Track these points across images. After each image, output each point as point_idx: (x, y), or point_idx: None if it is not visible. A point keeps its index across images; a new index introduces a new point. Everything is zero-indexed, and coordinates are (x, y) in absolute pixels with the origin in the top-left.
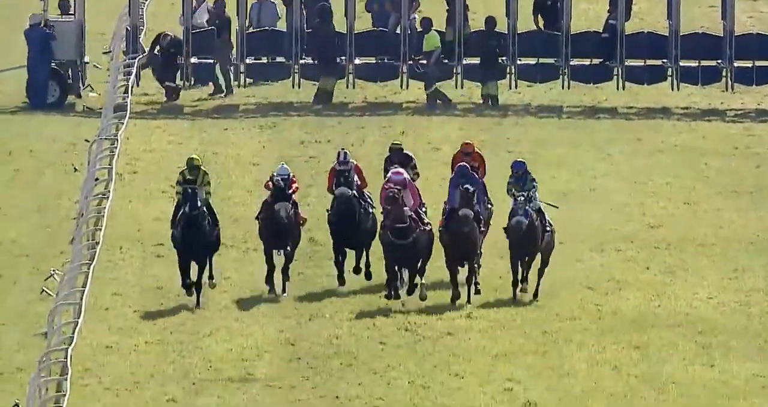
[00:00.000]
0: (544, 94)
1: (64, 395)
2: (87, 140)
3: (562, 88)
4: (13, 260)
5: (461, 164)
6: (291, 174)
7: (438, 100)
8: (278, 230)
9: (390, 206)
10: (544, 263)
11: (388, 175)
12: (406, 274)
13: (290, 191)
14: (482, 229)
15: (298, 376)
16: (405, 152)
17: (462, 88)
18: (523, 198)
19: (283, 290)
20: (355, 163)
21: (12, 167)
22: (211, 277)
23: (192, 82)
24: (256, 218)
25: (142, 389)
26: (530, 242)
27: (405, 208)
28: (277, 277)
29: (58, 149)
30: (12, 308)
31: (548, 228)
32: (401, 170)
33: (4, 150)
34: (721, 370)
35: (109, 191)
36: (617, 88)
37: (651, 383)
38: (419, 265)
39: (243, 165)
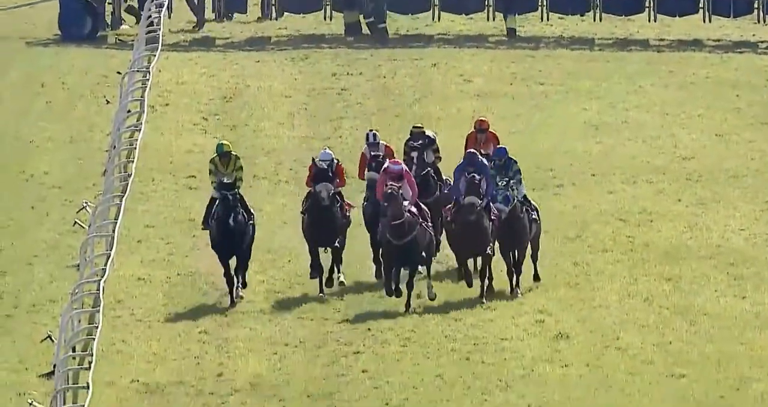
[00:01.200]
0: (576, 26)
1: (97, 327)
2: (119, 73)
3: (594, 20)
4: (45, 192)
5: (470, 150)
6: (335, 159)
7: None
8: (322, 217)
9: (388, 203)
10: (535, 249)
11: (385, 165)
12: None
13: (334, 177)
14: (492, 218)
15: (329, 308)
16: (427, 133)
17: (494, 20)
18: (505, 183)
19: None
20: (385, 144)
21: (44, 99)
22: (243, 285)
23: (223, 14)
24: (302, 213)
25: (174, 321)
26: (515, 232)
27: (404, 202)
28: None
29: (90, 82)
30: (44, 240)
31: (534, 216)
32: (399, 160)
33: (36, 82)
34: (753, 302)
35: (141, 123)
36: (649, 20)
37: (683, 314)
38: (422, 263)
39: (275, 97)
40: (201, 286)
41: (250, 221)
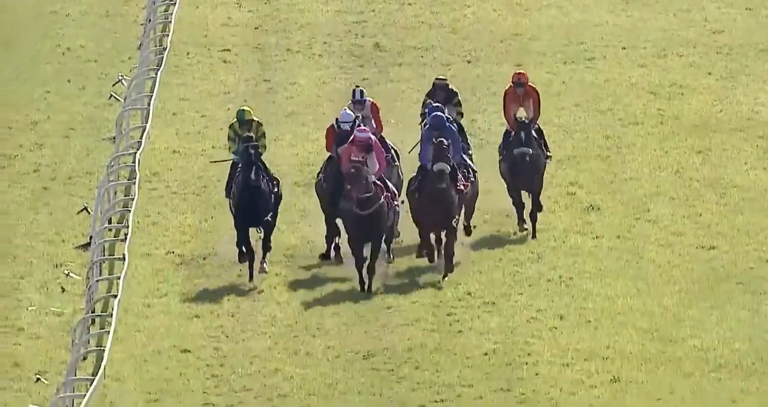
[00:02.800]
0: None
1: (132, 199)
2: None
3: None
4: (81, 65)
5: (435, 113)
6: (357, 119)
7: None
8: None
9: (351, 184)
10: (470, 211)
11: (353, 135)
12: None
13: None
14: (461, 188)
15: None
16: (450, 87)
17: None
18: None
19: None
20: (371, 101)
21: None
22: (264, 256)
23: None
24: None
25: (208, 193)
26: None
27: (370, 175)
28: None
29: None
30: (80, 113)
31: (471, 178)
32: (365, 128)
33: None
34: None
35: None
36: None
37: (713, 186)
38: (383, 240)
39: None
40: None
41: (275, 189)
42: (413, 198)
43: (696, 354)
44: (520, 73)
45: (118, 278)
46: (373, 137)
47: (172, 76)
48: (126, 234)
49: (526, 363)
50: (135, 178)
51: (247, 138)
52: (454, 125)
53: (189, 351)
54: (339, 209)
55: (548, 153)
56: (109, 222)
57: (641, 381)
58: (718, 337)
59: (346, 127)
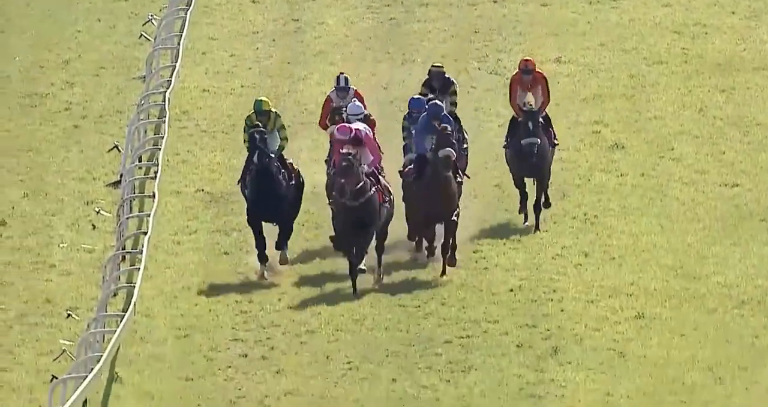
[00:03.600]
0: None
1: (162, 137)
2: None
3: None
4: (111, 5)
5: (434, 102)
6: (367, 113)
7: None
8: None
9: (343, 177)
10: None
11: (333, 133)
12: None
13: (361, 139)
14: (459, 180)
15: (392, 119)
16: (447, 76)
17: None
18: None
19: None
20: (355, 89)
21: None
22: (283, 246)
23: None
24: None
25: (237, 132)
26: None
27: (362, 166)
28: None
29: None
30: (111, 52)
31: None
32: (348, 125)
33: None
34: None
35: None
36: None
37: (736, 125)
38: (375, 237)
39: None
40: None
41: (292, 182)
42: (410, 191)
43: (719, 290)
44: (527, 59)
45: (148, 215)
46: (361, 128)
47: (202, 15)
48: (156, 172)
49: (551, 300)
50: (165, 116)
51: (254, 126)
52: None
53: (218, 288)
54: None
55: (555, 142)
56: (139, 160)
57: (665, 317)
58: (741, 274)
59: (356, 121)
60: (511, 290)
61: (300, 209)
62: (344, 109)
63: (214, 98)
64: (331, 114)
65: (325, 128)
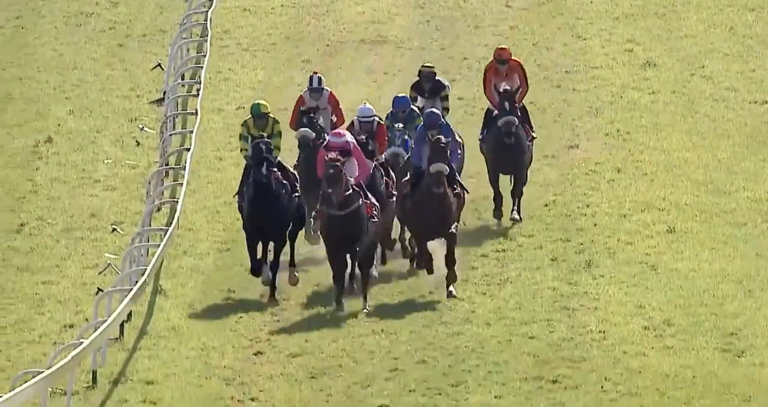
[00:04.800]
0: None
1: (204, 55)
2: None
3: None
4: None
5: (431, 110)
6: (377, 118)
7: None
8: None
9: (330, 184)
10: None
11: (327, 140)
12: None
13: (368, 147)
14: (457, 191)
15: (427, 38)
16: (438, 78)
17: None
18: (402, 126)
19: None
20: (329, 90)
21: None
22: (292, 264)
23: None
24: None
25: (277, 50)
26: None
27: (349, 179)
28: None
29: None
30: None
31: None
32: (342, 131)
33: None
34: None
35: None
36: None
37: (765, 43)
38: (364, 248)
39: None
40: (303, 16)
41: (295, 194)
42: (406, 205)
43: (748, 205)
44: (502, 48)
45: (191, 132)
46: (351, 140)
47: None
48: (198, 90)
49: (585, 214)
50: (207, 35)
51: (258, 136)
52: (448, 122)
53: None
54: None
55: (533, 135)
56: (182, 78)
57: (695, 231)
58: None
59: (367, 123)
60: (546, 206)
61: (305, 222)
62: (313, 113)
63: (255, 17)
64: (299, 116)
65: (295, 129)
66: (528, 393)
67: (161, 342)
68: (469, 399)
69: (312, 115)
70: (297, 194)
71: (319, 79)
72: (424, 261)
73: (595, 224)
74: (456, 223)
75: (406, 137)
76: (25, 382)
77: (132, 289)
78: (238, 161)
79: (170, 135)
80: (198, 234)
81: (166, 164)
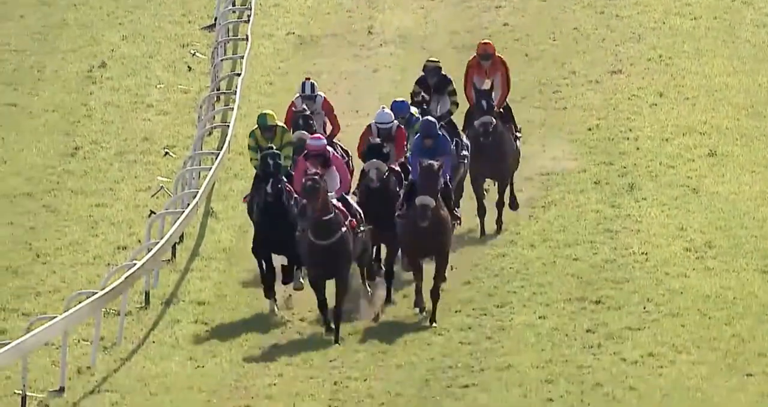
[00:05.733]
0: None
1: None
2: None
3: None
4: None
5: (427, 119)
6: (395, 123)
7: None
8: (372, 211)
9: (308, 200)
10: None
11: (306, 143)
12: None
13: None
14: (457, 214)
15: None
16: (443, 73)
17: None
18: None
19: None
20: (323, 97)
21: None
22: (297, 276)
23: None
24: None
25: None
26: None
27: (330, 194)
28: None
29: None
30: None
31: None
32: (321, 135)
33: None
34: None
35: None
36: None
37: None
38: (343, 275)
39: None
40: None
41: None
42: (400, 222)
43: None
44: (486, 43)
45: (241, 57)
46: (330, 148)
47: None
48: (249, 16)
49: (628, 138)
50: None
51: (267, 148)
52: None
53: None
54: (296, 236)
55: (518, 134)
56: (233, 4)
57: (736, 155)
58: None
59: (385, 129)
60: (589, 130)
61: None
62: (310, 115)
63: None
64: (295, 117)
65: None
66: (571, 313)
67: (212, 264)
68: (513, 319)
69: (308, 115)
70: None
71: (312, 85)
72: (414, 277)
73: (638, 148)
74: (449, 247)
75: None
76: (80, 303)
77: (184, 211)
78: (288, 87)
79: (221, 60)
80: (248, 158)
81: (217, 89)
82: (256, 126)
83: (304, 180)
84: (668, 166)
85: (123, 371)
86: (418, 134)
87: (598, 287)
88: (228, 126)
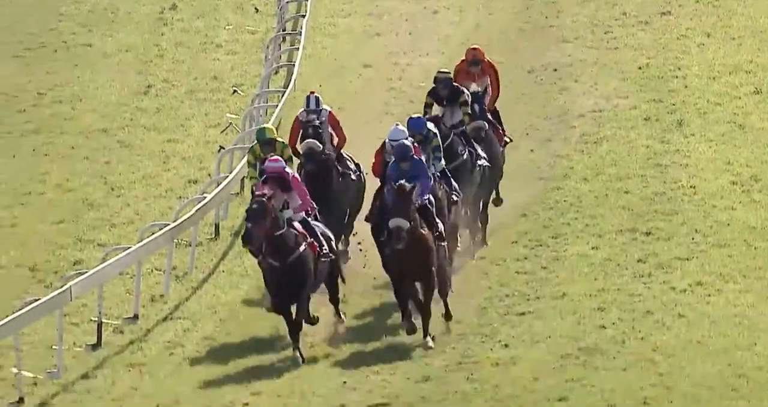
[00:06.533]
0: None
1: None
2: None
3: None
4: None
5: (401, 142)
6: (410, 140)
7: None
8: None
9: (254, 222)
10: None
11: (264, 165)
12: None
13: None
14: (440, 231)
15: None
16: (455, 84)
17: None
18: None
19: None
20: (329, 110)
21: None
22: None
23: None
24: (366, 219)
25: None
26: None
27: (287, 211)
28: None
29: None
30: None
31: (454, 197)
32: (279, 157)
33: None
34: None
35: None
36: None
37: None
38: (304, 295)
39: None
40: None
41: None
42: (380, 243)
43: None
44: (475, 48)
45: None
46: (290, 170)
47: None
48: None
49: (676, 77)
50: None
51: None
52: (434, 135)
53: (371, 66)
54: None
55: (507, 139)
56: None
57: None
58: None
59: (395, 146)
60: (639, 68)
61: None
62: (318, 126)
63: None
64: (304, 127)
65: (294, 150)
66: (623, 244)
67: None
68: (567, 249)
69: (318, 125)
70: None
71: (317, 99)
72: (401, 309)
73: (686, 86)
74: (434, 267)
75: (423, 156)
76: (153, 234)
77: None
78: (350, 28)
79: (287, 2)
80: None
81: (283, 30)
82: (256, 141)
83: (250, 203)
84: (715, 103)
85: (194, 299)
86: (393, 158)
87: (649, 219)
88: (293, 65)
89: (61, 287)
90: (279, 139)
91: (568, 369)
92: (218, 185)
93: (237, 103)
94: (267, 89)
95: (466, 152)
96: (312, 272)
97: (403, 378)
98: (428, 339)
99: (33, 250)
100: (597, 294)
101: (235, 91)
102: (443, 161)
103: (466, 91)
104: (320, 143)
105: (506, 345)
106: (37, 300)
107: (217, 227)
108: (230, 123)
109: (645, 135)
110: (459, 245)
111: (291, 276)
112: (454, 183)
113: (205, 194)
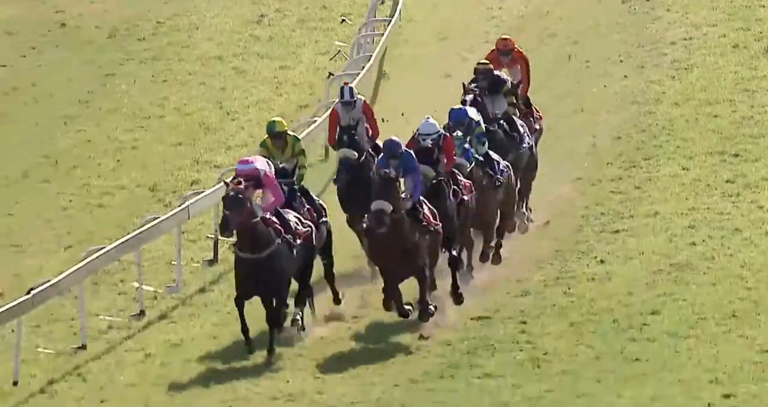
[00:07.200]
0: None
1: None
2: None
3: None
4: None
5: (390, 139)
6: (441, 132)
7: None
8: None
9: (232, 210)
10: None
11: (236, 169)
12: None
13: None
14: (429, 228)
15: None
16: (497, 73)
17: None
18: (460, 134)
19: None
20: (363, 100)
21: None
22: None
23: None
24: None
25: None
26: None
27: (259, 208)
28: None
29: None
30: None
31: (498, 181)
32: (252, 158)
33: None
34: None
35: None
36: None
37: None
38: (281, 292)
39: None
40: None
41: (323, 219)
42: (364, 237)
43: None
44: (506, 38)
45: None
46: (261, 167)
47: None
48: None
49: (764, 6)
50: None
51: (281, 171)
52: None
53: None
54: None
55: (539, 126)
56: None
57: None
58: None
59: (427, 142)
60: None
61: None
62: (354, 130)
63: None
64: (340, 133)
65: (333, 145)
66: (712, 165)
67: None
68: (660, 170)
69: (354, 132)
70: (324, 219)
71: (351, 90)
72: (394, 304)
73: None
74: (425, 261)
75: (467, 145)
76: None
77: (359, 73)
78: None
79: None
80: (418, 25)
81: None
82: (266, 135)
83: (227, 191)
84: None
85: None
86: (382, 155)
87: (737, 142)
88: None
89: (180, 206)
90: (290, 133)
91: (660, 284)
92: (328, 110)
93: (345, 31)
94: (374, 18)
95: (512, 137)
96: (286, 266)
97: (503, 293)
98: (429, 308)
99: (153, 171)
100: (688, 213)
101: (343, 20)
102: (486, 145)
103: (509, 79)
104: (356, 150)
105: (602, 261)
106: (156, 218)
107: (326, 150)
108: (339, 50)
109: (733, 62)
110: (520, 220)
111: (262, 272)
112: (501, 164)
113: (315, 118)
